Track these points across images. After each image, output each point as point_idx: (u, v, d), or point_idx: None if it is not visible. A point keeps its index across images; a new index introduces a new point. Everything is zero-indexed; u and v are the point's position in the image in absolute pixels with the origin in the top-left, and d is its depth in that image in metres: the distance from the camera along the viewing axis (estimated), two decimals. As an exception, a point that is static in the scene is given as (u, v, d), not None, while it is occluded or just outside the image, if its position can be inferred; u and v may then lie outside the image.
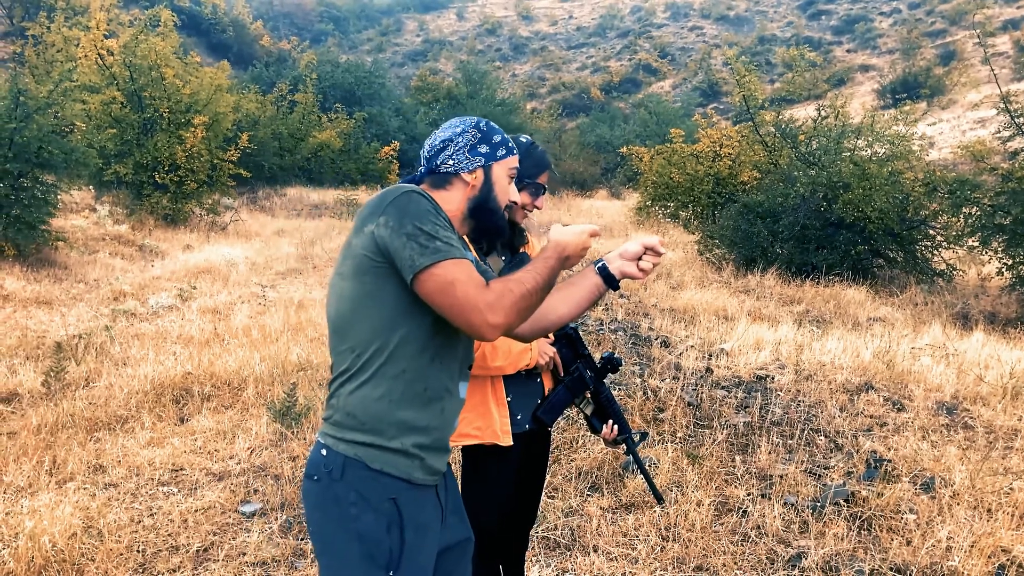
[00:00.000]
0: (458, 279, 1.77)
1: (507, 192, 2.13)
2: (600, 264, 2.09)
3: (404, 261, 1.81)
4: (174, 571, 3.67)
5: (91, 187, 17.05)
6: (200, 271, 11.99)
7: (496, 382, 2.56)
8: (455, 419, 2.04)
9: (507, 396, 2.58)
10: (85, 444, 5.11)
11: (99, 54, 17.00)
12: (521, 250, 2.74)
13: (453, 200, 2.07)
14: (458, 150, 2.07)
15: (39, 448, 4.95)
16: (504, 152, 2.12)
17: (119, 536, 3.90)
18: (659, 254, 2.06)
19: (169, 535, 4.00)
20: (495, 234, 2.14)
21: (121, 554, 3.75)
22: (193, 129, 16.64)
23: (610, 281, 2.08)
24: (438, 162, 2.07)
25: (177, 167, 16.62)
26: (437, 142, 2.09)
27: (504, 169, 2.12)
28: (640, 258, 2.07)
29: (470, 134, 2.08)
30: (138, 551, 3.82)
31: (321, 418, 1.98)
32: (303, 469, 4.71)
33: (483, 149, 2.08)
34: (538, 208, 2.70)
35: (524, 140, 2.68)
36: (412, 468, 1.93)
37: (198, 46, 41.72)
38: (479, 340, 1.82)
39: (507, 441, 2.56)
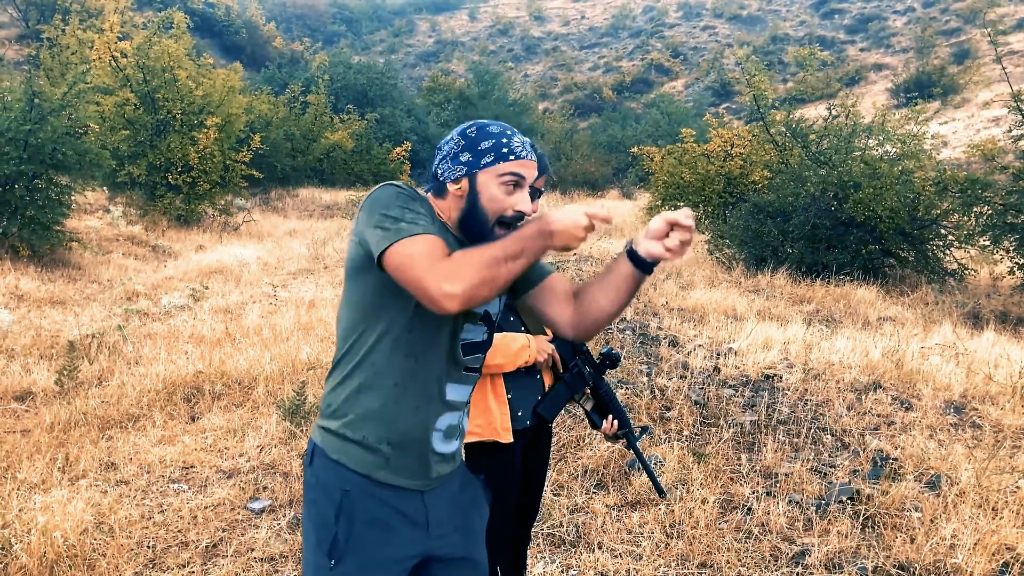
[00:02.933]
0: (415, 253, 1.74)
1: (500, 200, 1.95)
2: (628, 247, 1.89)
3: (372, 248, 1.81)
4: (183, 566, 3.72)
5: (105, 188, 17.18)
6: (212, 271, 12.08)
7: (496, 380, 2.59)
8: (435, 421, 1.96)
9: (507, 393, 2.61)
10: (97, 442, 5.18)
11: (113, 56, 17.11)
12: None
13: (448, 209, 2.00)
14: (443, 159, 2.00)
15: (52, 446, 5.02)
16: (492, 159, 1.94)
17: (130, 532, 3.96)
18: (688, 228, 1.80)
19: (179, 531, 4.05)
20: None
21: (131, 550, 3.81)
22: (206, 130, 16.75)
23: (642, 265, 1.88)
24: (434, 170, 2.04)
25: (190, 168, 16.74)
26: (437, 150, 2.06)
27: (491, 176, 1.95)
28: (668, 236, 1.83)
29: (454, 142, 1.99)
30: (148, 547, 3.87)
31: None
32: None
33: (465, 158, 1.95)
34: (533, 212, 2.69)
35: None
36: (374, 464, 1.91)
37: (211, 48, 41.92)
38: (440, 311, 1.72)
39: (507, 438, 2.59)
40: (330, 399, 1.96)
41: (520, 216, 1.97)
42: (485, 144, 1.95)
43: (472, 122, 2.02)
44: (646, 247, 1.84)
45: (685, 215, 1.79)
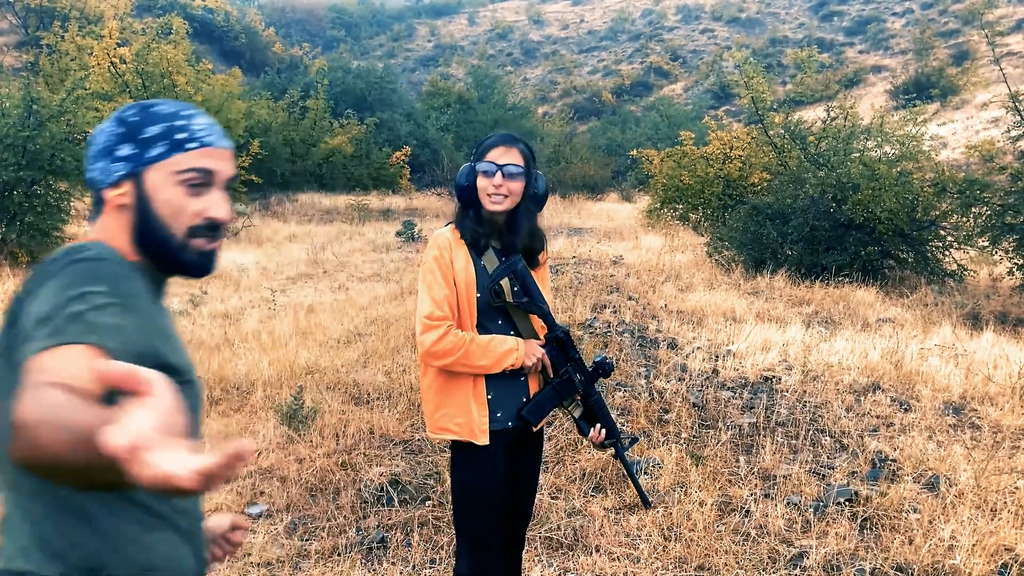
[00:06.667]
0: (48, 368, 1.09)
1: (182, 207, 1.40)
2: None
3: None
4: (180, 572, 3.70)
5: (104, 194, 17.20)
6: (211, 276, 12.05)
7: (478, 380, 2.56)
8: None
9: (488, 394, 2.59)
10: (95, 447, 5.16)
11: (112, 62, 17.19)
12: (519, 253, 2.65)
13: (110, 228, 1.42)
14: (95, 158, 1.42)
15: (49, 451, 5.01)
16: (165, 148, 1.39)
17: (126, 537, 3.94)
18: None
19: (176, 536, 4.03)
20: (178, 271, 1.46)
21: (128, 555, 3.79)
22: (205, 136, 16.76)
23: None
24: (88, 178, 1.44)
25: (189, 173, 16.74)
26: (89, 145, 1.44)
27: (165, 175, 1.39)
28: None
29: (109, 131, 1.41)
30: (145, 552, 3.86)
31: None
32: (309, 471, 4.77)
33: (125, 151, 1.39)
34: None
35: None
36: None
37: (210, 53, 42.01)
38: None
39: (483, 440, 2.56)
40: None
41: (215, 223, 1.42)
42: (152, 130, 1.40)
43: (133, 103, 1.46)
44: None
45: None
